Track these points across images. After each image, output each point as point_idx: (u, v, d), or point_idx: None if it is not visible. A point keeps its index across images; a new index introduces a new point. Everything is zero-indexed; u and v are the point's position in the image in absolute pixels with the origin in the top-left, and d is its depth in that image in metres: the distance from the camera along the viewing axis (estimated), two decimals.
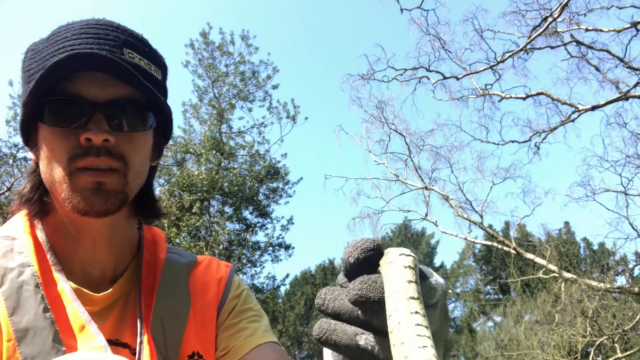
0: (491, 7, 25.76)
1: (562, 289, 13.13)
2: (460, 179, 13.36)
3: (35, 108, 0.79)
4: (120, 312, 0.84)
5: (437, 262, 33.55)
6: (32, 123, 0.83)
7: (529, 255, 11.69)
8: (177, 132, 14.81)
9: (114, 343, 0.79)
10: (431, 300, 0.52)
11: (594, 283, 11.26)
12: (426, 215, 13.03)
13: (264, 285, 15.38)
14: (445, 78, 11.41)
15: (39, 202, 0.85)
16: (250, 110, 15.29)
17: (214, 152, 14.23)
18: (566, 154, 43.59)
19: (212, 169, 13.96)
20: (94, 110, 0.78)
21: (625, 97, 9.62)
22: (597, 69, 10.09)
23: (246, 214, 15.04)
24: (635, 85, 9.41)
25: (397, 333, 0.43)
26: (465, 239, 12.63)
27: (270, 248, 15.05)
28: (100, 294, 0.83)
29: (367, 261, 0.51)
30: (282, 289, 16.43)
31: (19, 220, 0.86)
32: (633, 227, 11.06)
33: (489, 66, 10.62)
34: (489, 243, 12.87)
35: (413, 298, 0.45)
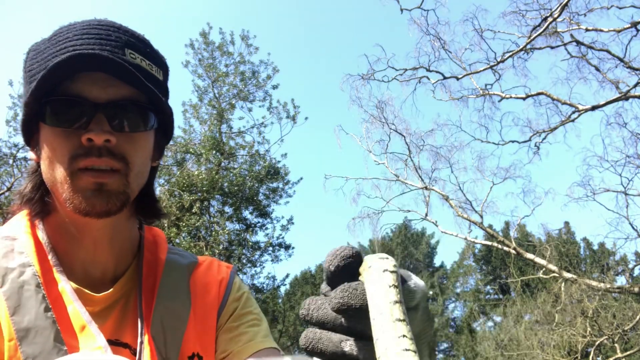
0: (491, 7, 25.76)
1: (562, 289, 13.14)
2: (460, 179, 13.37)
3: (36, 108, 0.79)
4: (121, 312, 0.84)
5: (437, 262, 33.60)
6: (33, 123, 0.83)
7: (529, 255, 11.70)
8: (177, 132, 14.82)
9: (115, 343, 0.79)
10: (411, 303, 0.52)
11: (594, 283, 11.26)
12: (426, 215, 13.03)
13: (264, 285, 15.40)
14: (445, 78, 11.42)
15: (40, 202, 0.85)
16: (250, 110, 15.31)
17: (214, 152, 14.23)
18: (566, 154, 43.65)
19: (212, 169, 13.96)
20: (95, 110, 0.78)
21: (625, 97, 9.62)
22: (597, 69, 10.10)
23: (246, 214, 15.06)
24: (635, 85, 9.41)
25: (382, 338, 0.43)
26: (465, 239, 12.64)
27: (270, 248, 15.06)
28: (100, 294, 0.83)
29: (347, 268, 0.52)
30: (282, 289, 16.44)
31: (20, 221, 0.86)
32: (633, 227, 11.06)
33: (489, 66, 10.63)
34: (489, 243, 12.88)
35: (394, 302, 0.46)
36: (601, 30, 9.65)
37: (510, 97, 10.97)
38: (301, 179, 15.72)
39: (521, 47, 10.08)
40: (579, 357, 13.90)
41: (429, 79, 11.66)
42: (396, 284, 0.48)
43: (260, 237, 15.14)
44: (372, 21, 52.06)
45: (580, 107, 10.05)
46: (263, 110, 16.66)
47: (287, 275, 18.64)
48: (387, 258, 0.51)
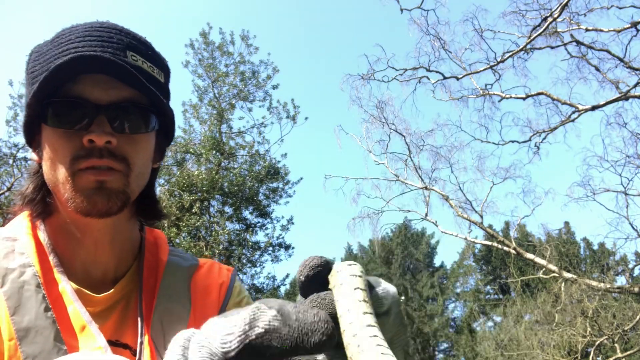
0: (491, 7, 25.77)
1: (562, 289, 13.13)
2: (460, 179, 13.38)
3: (38, 110, 0.80)
4: (121, 313, 0.84)
5: (437, 262, 33.60)
6: (35, 124, 0.83)
7: (529, 255, 11.70)
8: (177, 132, 14.72)
9: (115, 344, 0.80)
10: (381, 309, 0.53)
11: (594, 283, 11.26)
12: (426, 215, 13.03)
13: (264, 285, 15.38)
14: (445, 78, 11.42)
15: (42, 203, 0.86)
16: (250, 110, 15.31)
17: (214, 152, 14.23)
18: (566, 154, 43.65)
19: (212, 169, 13.96)
20: (97, 112, 0.79)
21: (625, 97, 9.62)
22: (597, 69, 10.10)
23: (246, 214, 15.06)
24: (635, 85, 9.41)
25: (352, 343, 0.43)
26: (465, 239, 12.64)
27: (270, 248, 15.05)
28: (101, 295, 0.83)
29: (317, 277, 0.52)
30: (282, 289, 16.40)
31: (21, 222, 0.86)
32: (633, 227, 11.06)
33: (489, 66, 10.63)
34: (489, 243, 12.88)
35: (363, 306, 0.46)
36: (601, 30, 9.65)
37: (510, 97, 10.97)
38: (301, 179, 15.73)
39: (521, 47, 10.09)
40: (579, 357, 13.90)
41: (429, 79, 11.66)
42: (363, 287, 0.48)
43: (260, 237, 15.16)
44: (372, 21, 52.08)
45: (580, 107, 10.05)
46: (263, 110, 16.69)
47: (287, 276, 18.60)
48: (355, 264, 0.51)
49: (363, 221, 13.73)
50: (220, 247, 13.02)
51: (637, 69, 9.48)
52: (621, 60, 9.51)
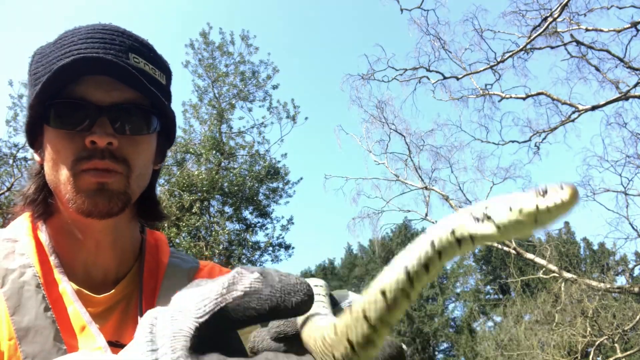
0: (491, 7, 25.74)
1: (562, 289, 13.14)
2: (460, 179, 13.36)
3: (41, 111, 0.81)
4: (122, 314, 0.85)
5: None
6: (37, 125, 0.84)
7: (529, 255, 11.70)
8: (177, 132, 14.80)
9: (115, 344, 0.80)
10: None
11: (594, 283, 11.26)
12: (426, 215, 13.04)
13: None
14: (445, 78, 11.43)
15: (43, 204, 0.86)
16: (250, 110, 15.32)
17: (214, 152, 14.24)
18: (566, 154, 43.64)
19: (212, 169, 13.96)
20: (99, 113, 0.79)
21: (625, 97, 9.62)
22: (597, 69, 10.10)
23: (246, 214, 15.06)
24: (635, 85, 9.41)
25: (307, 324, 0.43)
26: None
27: (270, 248, 15.06)
28: (101, 296, 0.83)
29: None
30: None
31: (21, 223, 0.87)
32: (633, 227, 11.06)
33: (489, 66, 10.63)
34: (489, 243, 12.85)
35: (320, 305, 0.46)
36: (601, 30, 9.66)
37: (510, 97, 10.97)
38: (301, 179, 15.74)
39: (521, 47, 10.09)
40: (579, 357, 13.90)
41: (429, 79, 11.66)
42: (325, 303, 0.48)
43: (260, 237, 15.17)
44: (372, 21, 52.11)
45: (580, 107, 10.05)
46: (263, 110, 16.67)
47: None
48: (320, 285, 0.51)
49: (363, 221, 13.74)
50: (220, 247, 13.02)
51: (637, 69, 9.48)
52: (621, 60, 9.51)
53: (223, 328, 0.40)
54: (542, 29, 9.51)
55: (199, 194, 13.21)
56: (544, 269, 11.91)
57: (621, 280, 20.11)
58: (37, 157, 0.87)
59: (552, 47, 10.28)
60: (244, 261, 14.25)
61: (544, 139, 11.16)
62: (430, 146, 13.16)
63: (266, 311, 0.39)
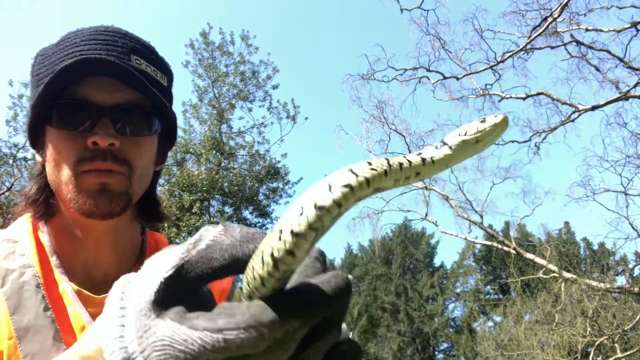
0: (491, 7, 25.76)
1: (562, 289, 13.14)
2: (460, 179, 13.37)
3: (43, 111, 0.81)
4: None
5: (437, 262, 33.61)
6: (40, 126, 0.84)
7: (529, 255, 11.71)
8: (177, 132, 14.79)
9: None
10: None
11: (594, 283, 11.26)
12: (426, 215, 13.04)
13: None
14: (445, 78, 11.43)
15: (45, 204, 0.87)
16: (250, 110, 15.34)
17: (214, 152, 14.24)
18: (566, 154, 43.59)
19: (212, 169, 13.97)
20: (101, 114, 0.80)
21: (625, 97, 9.62)
22: (597, 69, 10.10)
23: (246, 214, 15.06)
24: (635, 85, 9.41)
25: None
26: (465, 239, 12.65)
27: None
28: (101, 296, 0.84)
29: None
30: None
31: (22, 224, 0.87)
32: (633, 227, 11.07)
33: (489, 66, 10.63)
34: (489, 243, 12.89)
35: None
36: (601, 30, 9.66)
37: (510, 97, 10.97)
38: (301, 179, 15.75)
39: (521, 47, 10.09)
40: (579, 357, 13.89)
41: (429, 79, 11.67)
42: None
43: None
44: (372, 21, 52.11)
45: (580, 107, 10.05)
46: (263, 110, 16.70)
47: None
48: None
49: (363, 221, 13.77)
50: None
51: (637, 69, 9.48)
52: (621, 60, 9.51)
53: (192, 284, 0.41)
54: (542, 29, 9.52)
55: (199, 194, 13.21)
56: (544, 269, 11.91)
57: (621, 280, 20.13)
58: (38, 158, 0.88)
59: (552, 47, 10.29)
60: None
61: (544, 139, 11.18)
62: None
63: (227, 260, 0.41)
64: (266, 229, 15.55)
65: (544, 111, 11.21)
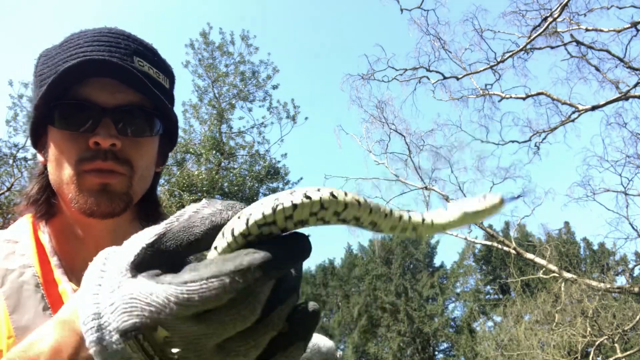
0: (491, 7, 25.77)
1: (562, 289, 13.14)
2: (460, 179, 13.41)
3: (45, 112, 0.82)
4: None
5: (437, 262, 33.61)
6: (42, 126, 0.85)
7: (529, 255, 11.70)
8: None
9: None
10: None
11: (594, 283, 11.26)
12: None
13: None
14: (445, 78, 11.43)
15: (46, 204, 0.87)
16: (250, 110, 15.33)
17: (214, 152, 14.24)
18: (566, 154, 43.64)
19: (212, 169, 13.97)
20: (103, 115, 0.81)
21: (625, 97, 9.62)
22: (597, 69, 10.10)
23: None
24: (635, 85, 9.41)
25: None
26: (465, 239, 12.66)
27: None
28: None
29: None
30: None
31: (23, 223, 0.88)
32: (633, 227, 11.07)
33: (489, 66, 10.63)
34: (489, 243, 12.88)
35: None
36: (601, 30, 9.66)
37: (510, 97, 10.97)
38: (301, 179, 15.77)
39: (521, 47, 10.09)
40: (579, 357, 13.89)
41: (429, 79, 11.67)
42: None
43: None
44: (372, 21, 52.12)
45: (580, 107, 10.06)
46: (263, 110, 16.69)
47: None
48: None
49: None
50: None
51: (637, 69, 9.48)
52: (621, 60, 9.52)
53: (175, 251, 0.42)
54: (542, 29, 9.52)
55: (199, 194, 13.21)
56: (544, 269, 11.91)
57: (621, 280, 20.15)
58: (40, 158, 0.88)
59: (552, 47, 10.29)
60: None
61: (544, 139, 11.18)
62: (430, 146, 13.19)
63: (207, 227, 0.42)
64: None
65: (544, 111, 11.23)
